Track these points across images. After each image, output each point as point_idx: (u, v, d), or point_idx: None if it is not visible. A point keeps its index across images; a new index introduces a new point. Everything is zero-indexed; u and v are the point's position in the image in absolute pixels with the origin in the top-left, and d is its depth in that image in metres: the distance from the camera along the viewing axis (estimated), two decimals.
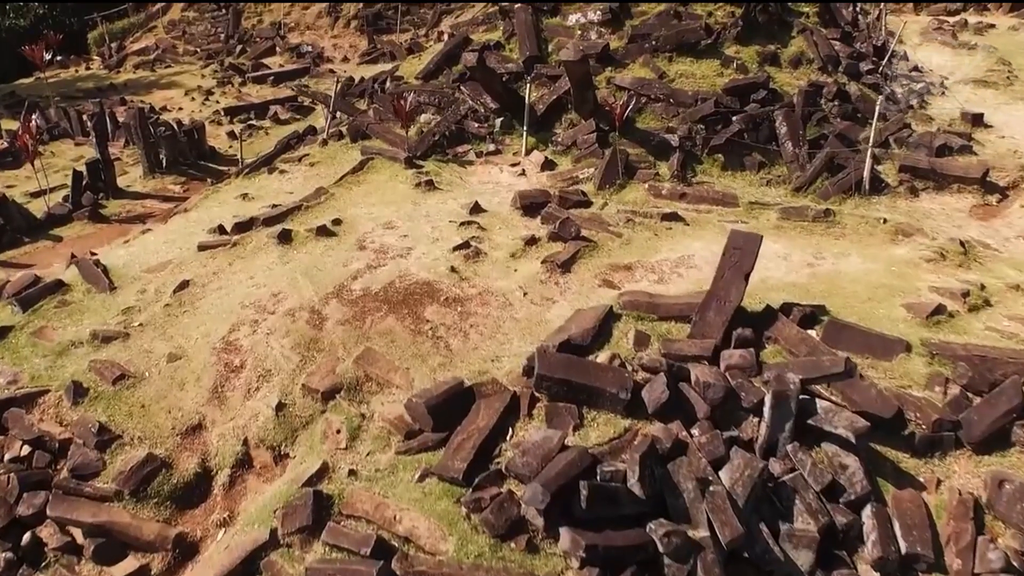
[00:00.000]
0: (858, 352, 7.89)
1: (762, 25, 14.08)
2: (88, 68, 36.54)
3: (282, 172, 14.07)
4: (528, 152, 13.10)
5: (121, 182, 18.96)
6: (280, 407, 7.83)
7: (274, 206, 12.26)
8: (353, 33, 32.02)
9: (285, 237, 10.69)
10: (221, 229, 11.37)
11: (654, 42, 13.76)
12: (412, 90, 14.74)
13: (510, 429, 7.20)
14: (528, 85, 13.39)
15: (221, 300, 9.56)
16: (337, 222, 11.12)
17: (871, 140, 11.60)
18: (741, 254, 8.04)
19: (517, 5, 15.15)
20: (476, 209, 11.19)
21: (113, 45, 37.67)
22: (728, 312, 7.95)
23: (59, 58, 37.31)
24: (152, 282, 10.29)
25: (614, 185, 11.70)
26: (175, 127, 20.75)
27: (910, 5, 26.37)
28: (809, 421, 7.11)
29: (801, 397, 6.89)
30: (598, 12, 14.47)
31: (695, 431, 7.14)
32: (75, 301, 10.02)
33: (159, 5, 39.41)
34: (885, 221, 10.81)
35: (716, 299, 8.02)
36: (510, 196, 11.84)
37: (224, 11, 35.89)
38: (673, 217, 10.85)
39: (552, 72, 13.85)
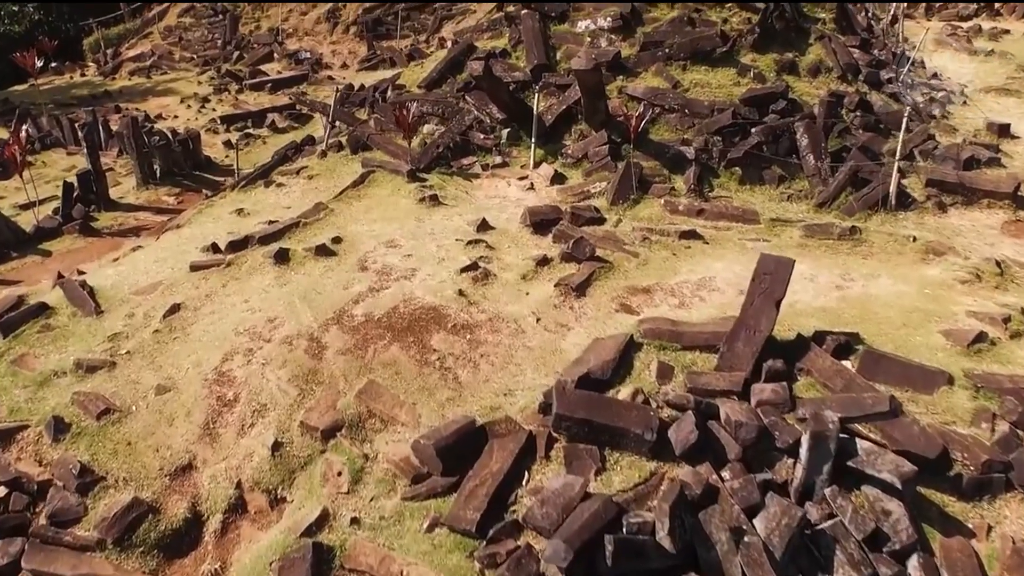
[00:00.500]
0: (897, 385, 7.37)
1: (779, 32, 13.55)
2: (83, 75, 36.09)
3: (279, 185, 13.52)
4: (536, 165, 12.56)
5: (114, 193, 18.49)
6: (276, 446, 7.28)
7: (271, 222, 11.73)
8: (352, 39, 31.52)
9: (282, 257, 10.14)
10: (215, 247, 10.83)
11: (667, 50, 13.23)
12: (414, 99, 14.20)
13: (526, 473, 6.66)
14: (536, 95, 12.85)
15: (214, 326, 9.01)
16: (337, 240, 10.57)
17: (897, 153, 11.04)
18: (771, 280, 7.50)
19: (524, 11, 14.60)
20: (483, 226, 10.65)
21: (108, 51, 37.17)
22: (758, 343, 7.42)
23: (54, 64, 36.89)
24: (141, 305, 9.74)
25: (628, 200, 11.17)
26: (169, 136, 20.21)
27: (921, 9, 25.83)
28: (849, 463, 6.56)
29: (839, 436, 6.34)
30: (608, 18, 13.94)
31: (726, 474, 6.61)
32: (59, 326, 9.48)
33: (155, 11, 38.89)
34: (915, 239, 10.27)
35: (745, 328, 7.47)
36: (519, 212, 11.32)
37: (221, 17, 35.36)
38: (691, 235, 10.32)
39: (561, 81, 13.33)
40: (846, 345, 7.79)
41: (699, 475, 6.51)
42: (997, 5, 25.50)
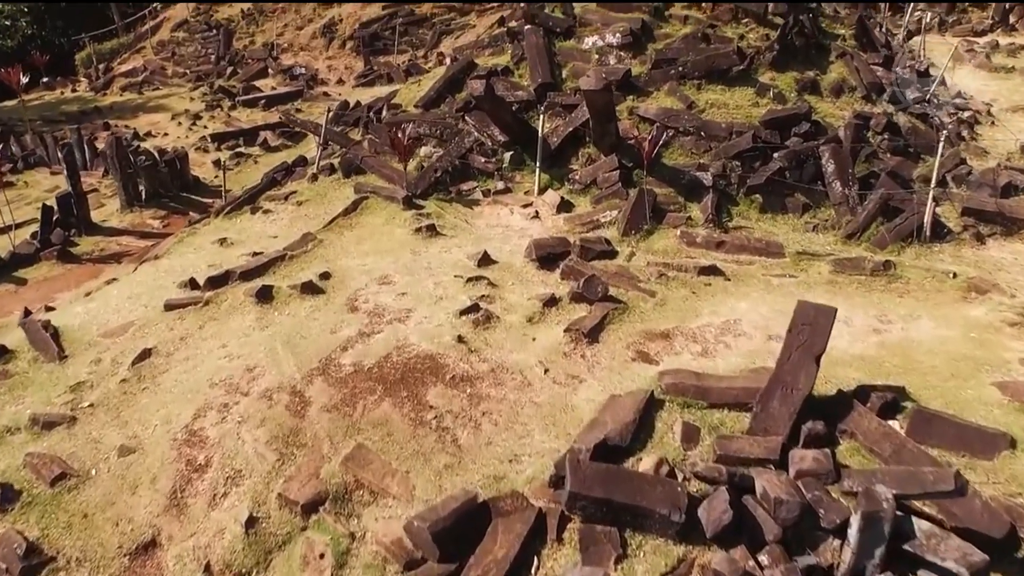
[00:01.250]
0: (951, 448, 6.54)
1: (799, 49, 12.77)
2: (74, 90, 35.38)
3: (266, 212, 12.69)
4: (542, 191, 11.74)
5: (98, 215, 17.74)
6: (251, 522, 6.40)
7: (255, 254, 10.93)
8: (348, 54, 30.78)
9: (265, 295, 9.30)
10: (193, 283, 10.00)
11: (680, 68, 12.44)
12: (411, 120, 13.37)
13: (535, 559, 5.79)
14: (541, 116, 12.03)
15: (187, 375, 8.16)
16: (325, 276, 9.74)
17: (933, 179, 10.22)
18: (811, 332, 6.66)
19: (527, 26, 13.79)
20: (485, 260, 9.82)
21: (100, 66, 36.45)
22: (796, 403, 6.58)
23: (45, 79, 36.21)
24: (109, 349, 8.91)
25: (641, 231, 10.34)
26: (156, 156, 19.40)
27: (934, 24, 25.11)
28: (905, 547, 5.69)
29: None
30: (617, 34, 13.14)
31: (764, 558, 5.77)
32: (18, 372, 8.66)
33: (148, 25, 38.16)
34: (954, 275, 9.43)
35: (781, 386, 6.63)
36: (523, 243, 10.51)
37: (215, 31, 34.63)
38: (711, 271, 9.48)
39: (567, 101, 12.52)
40: (893, 403, 6.93)
41: (734, 562, 5.66)
42: (1012, 20, 24.75)
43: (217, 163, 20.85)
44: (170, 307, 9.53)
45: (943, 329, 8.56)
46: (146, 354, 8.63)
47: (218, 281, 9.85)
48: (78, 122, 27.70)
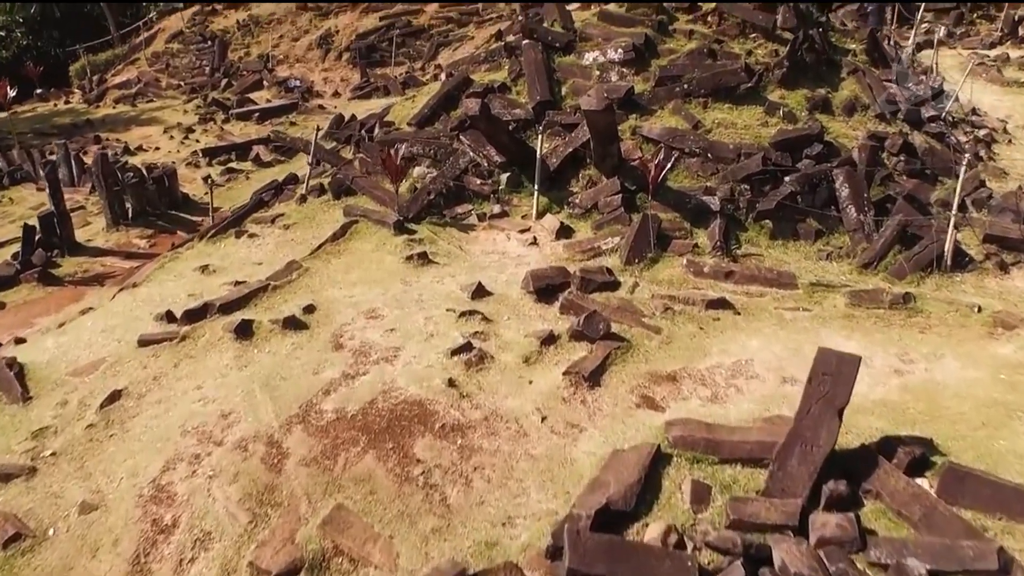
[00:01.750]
0: (987, 511, 5.99)
1: (809, 65, 12.26)
2: (68, 102, 34.93)
3: (251, 236, 12.15)
4: (540, 215, 11.19)
5: (84, 234, 17.21)
6: None
7: (237, 283, 10.38)
8: (345, 66, 30.32)
9: (244, 331, 8.75)
10: (169, 316, 9.46)
11: (685, 85, 11.92)
12: (404, 139, 12.83)
13: None
14: (540, 136, 11.48)
15: (158, 420, 7.61)
16: (309, 309, 9.18)
17: (954, 205, 9.65)
18: (833, 382, 6.11)
19: (525, 41, 13.26)
20: (479, 292, 9.28)
21: (94, 78, 36.00)
22: (817, 461, 6.04)
23: (39, 91, 35.82)
24: (77, 390, 8.36)
25: (645, 259, 9.81)
26: (144, 172, 18.85)
27: (942, 35, 24.56)
28: None
29: None
30: (619, 50, 12.61)
31: None
32: None
33: (143, 36, 37.72)
34: (979, 309, 8.84)
35: (800, 442, 6.08)
36: (519, 272, 9.97)
37: (210, 43, 34.16)
38: (720, 304, 8.93)
39: (567, 120, 12.00)
40: (921, 458, 6.36)
41: None
42: (1022, 32, 24.25)
43: (208, 179, 20.38)
44: (144, 343, 8.97)
45: (970, 370, 8.00)
46: (116, 396, 8.07)
47: (196, 315, 9.29)
48: (70, 135, 27.28)
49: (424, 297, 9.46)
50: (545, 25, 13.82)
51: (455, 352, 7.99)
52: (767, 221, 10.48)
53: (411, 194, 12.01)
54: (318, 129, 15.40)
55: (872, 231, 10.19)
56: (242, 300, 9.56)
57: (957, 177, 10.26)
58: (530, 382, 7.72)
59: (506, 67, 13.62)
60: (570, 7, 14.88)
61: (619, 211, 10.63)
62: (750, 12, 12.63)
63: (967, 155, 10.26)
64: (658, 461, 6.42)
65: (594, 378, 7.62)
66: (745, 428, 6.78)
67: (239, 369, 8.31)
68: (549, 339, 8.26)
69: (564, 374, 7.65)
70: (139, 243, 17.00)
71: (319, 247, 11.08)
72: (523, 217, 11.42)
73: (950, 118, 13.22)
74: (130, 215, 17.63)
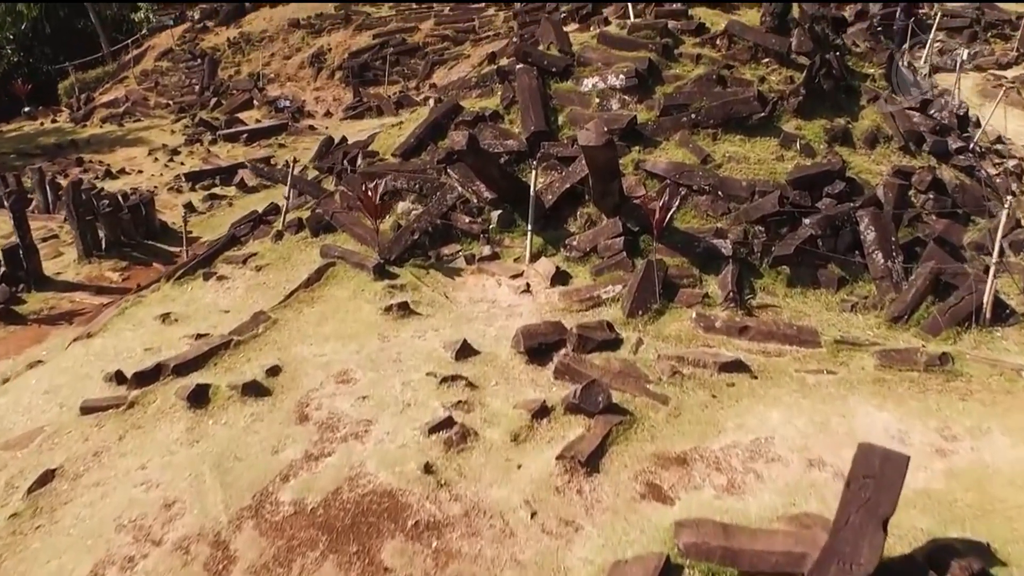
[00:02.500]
0: None
1: (827, 93, 11.29)
2: (55, 120, 34.07)
3: (220, 279, 11.20)
4: (534, 258, 10.24)
5: (54, 266, 16.30)
6: None
7: (198, 336, 9.44)
8: (337, 85, 29.41)
9: (199, 398, 7.82)
10: (119, 377, 8.52)
11: (693, 115, 10.99)
12: (388, 171, 11.87)
13: None
14: (534, 170, 10.53)
15: (92, 510, 6.67)
16: (274, 371, 8.24)
17: (994, 250, 8.68)
18: (875, 487, 5.14)
19: (519, 66, 12.32)
20: (464, 351, 8.32)
21: (82, 96, 35.14)
22: None
23: (27, 109, 35.05)
24: (7, 467, 7.47)
25: (649, 311, 8.85)
26: (120, 200, 17.91)
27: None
28: None
29: None
30: (621, 76, 11.67)
31: None
32: None
33: (132, 54, 36.86)
34: None
35: (837, 559, 5.12)
36: (510, 324, 9.07)
37: (200, 61, 33.29)
38: (735, 367, 7.97)
39: (564, 152, 11.06)
40: (981, 575, 5.36)
41: None
42: None
43: (190, 206, 19.45)
44: (87, 410, 8.02)
45: (1021, 447, 6.99)
46: (48, 477, 7.12)
47: (147, 377, 8.34)
48: (53, 156, 26.41)
49: (403, 356, 8.49)
50: (541, 48, 12.89)
51: (434, 429, 7.04)
52: (784, 267, 9.50)
53: (394, 232, 11.06)
54: (294, 161, 14.41)
55: (901, 279, 9.22)
56: (200, 359, 8.60)
57: (992, 217, 9.27)
58: (519, 466, 6.75)
59: (498, 93, 12.67)
60: (568, 28, 13.95)
61: (621, 255, 9.68)
62: (762, 35, 11.69)
63: (1010, 198, 9.25)
64: (667, 573, 5.42)
65: (592, 462, 6.65)
66: (769, 532, 5.79)
67: (190, 445, 7.34)
68: (541, 411, 7.29)
69: (558, 458, 6.67)
70: (112, 276, 16.08)
71: (291, 294, 10.13)
72: (515, 260, 10.45)
73: (978, 149, 12.23)
74: (103, 246, 16.69)
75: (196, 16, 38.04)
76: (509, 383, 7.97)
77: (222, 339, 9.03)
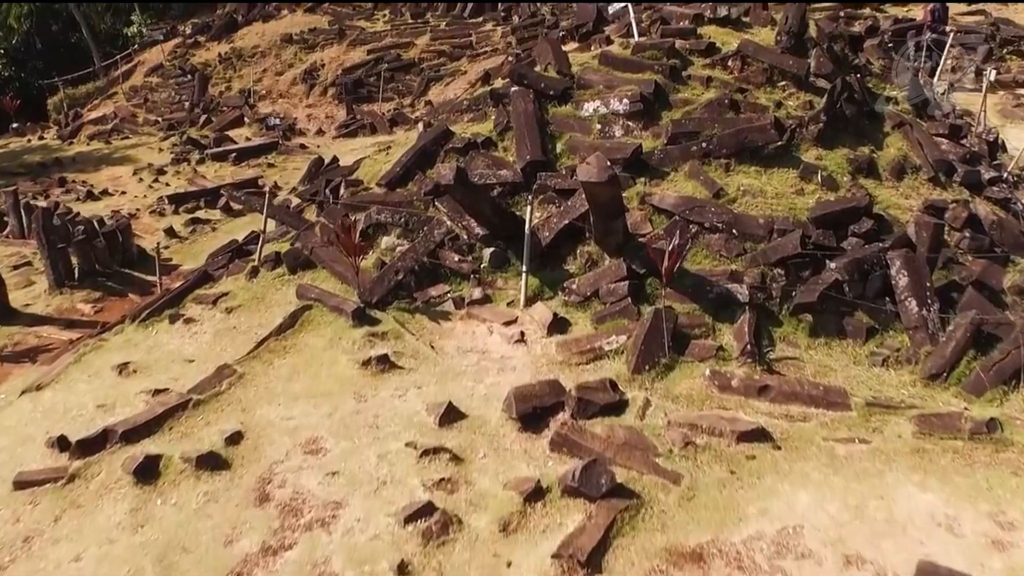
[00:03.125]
0: None
1: (849, 119, 10.37)
2: (42, 137, 33.25)
3: (188, 322, 10.29)
4: (529, 302, 9.34)
5: (23, 297, 15.46)
6: None
7: (156, 392, 8.55)
8: (330, 102, 28.57)
9: (147, 472, 6.94)
10: (62, 443, 7.59)
11: (704, 143, 10.10)
12: (372, 203, 10.97)
13: None
14: (530, 204, 9.63)
15: None
16: (234, 439, 7.34)
17: None
18: None
19: (514, 88, 11.43)
20: (450, 415, 7.43)
21: (71, 112, 34.37)
22: None
23: (15, 125, 34.33)
24: None
25: (658, 366, 7.95)
26: (96, 226, 17.05)
27: (970, 74, 22.74)
28: None
29: None
30: (624, 100, 10.78)
31: None
32: None
33: (121, 70, 36.05)
34: None
35: None
36: (502, 380, 8.22)
37: (190, 77, 32.47)
38: (755, 436, 7.06)
39: (563, 184, 10.16)
40: None
41: None
42: None
43: (170, 231, 18.59)
44: (22, 484, 7.09)
45: None
46: None
47: (92, 445, 7.45)
48: (37, 174, 25.59)
49: (380, 421, 7.58)
50: (537, 69, 11.98)
51: (411, 518, 6.13)
52: (807, 315, 8.56)
53: (377, 270, 10.14)
54: (270, 191, 13.52)
55: (938, 330, 8.30)
56: (153, 423, 7.69)
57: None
58: (508, 564, 5.80)
59: (492, 118, 11.74)
60: (567, 48, 13.06)
61: (625, 302, 8.76)
62: (778, 56, 10.80)
63: None
64: None
65: (593, 562, 5.68)
66: None
67: (133, 531, 6.43)
68: (535, 494, 6.37)
69: (554, 556, 5.70)
70: (83, 308, 15.22)
71: (261, 342, 9.22)
72: (509, 304, 9.53)
73: (1011, 178, 11.31)
74: (76, 275, 15.81)
75: (188, 31, 37.30)
76: (499, 455, 7.04)
77: (180, 398, 8.11)
